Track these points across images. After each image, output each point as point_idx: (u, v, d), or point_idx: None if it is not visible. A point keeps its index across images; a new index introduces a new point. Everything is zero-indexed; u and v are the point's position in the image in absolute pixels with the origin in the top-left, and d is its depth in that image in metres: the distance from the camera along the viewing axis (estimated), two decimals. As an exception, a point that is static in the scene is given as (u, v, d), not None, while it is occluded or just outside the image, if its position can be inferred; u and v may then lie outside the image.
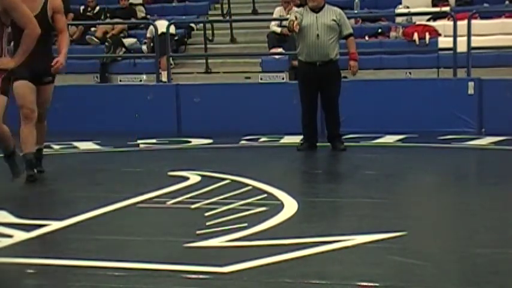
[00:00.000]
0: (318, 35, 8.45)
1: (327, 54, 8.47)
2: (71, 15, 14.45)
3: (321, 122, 9.15)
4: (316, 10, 8.54)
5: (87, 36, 14.39)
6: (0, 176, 8.15)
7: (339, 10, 8.68)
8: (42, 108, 7.22)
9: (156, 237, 4.97)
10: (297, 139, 8.97)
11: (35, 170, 7.14)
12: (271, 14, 13.52)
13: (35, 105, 7.03)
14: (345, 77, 9.44)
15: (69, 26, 14.73)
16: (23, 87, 6.97)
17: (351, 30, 8.69)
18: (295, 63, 8.95)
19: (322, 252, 4.45)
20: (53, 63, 7.03)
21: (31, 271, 4.19)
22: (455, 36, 10.40)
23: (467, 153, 8.63)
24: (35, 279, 4.09)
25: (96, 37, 14.26)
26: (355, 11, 13.90)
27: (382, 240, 4.69)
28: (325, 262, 4.31)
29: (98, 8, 14.87)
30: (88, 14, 14.84)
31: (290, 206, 5.70)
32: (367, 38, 13.26)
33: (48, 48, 7.15)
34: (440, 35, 12.81)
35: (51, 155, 8.32)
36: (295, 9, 12.36)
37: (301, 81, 8.78)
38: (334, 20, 8.51)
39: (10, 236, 4.89)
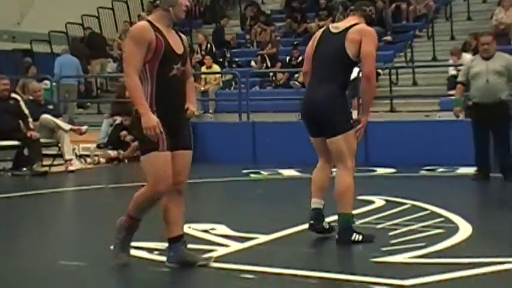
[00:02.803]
0: (487, 80, 8.10)
1: (496, 96, 8.08)
2: (279, 64, 14.84)
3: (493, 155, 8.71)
4: (487, 58, 8.19)
5: (291, 81, 14.70)
6: (224, 194, 8.47)
7: (507, 57, 8.23)
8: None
9: (348, 251, 4.94)
10: (471, 170, 8.60)
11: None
12: (448, 60, 13.17)
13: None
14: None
15: (277, 73, 15.23)
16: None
17: None
18: (470, 103, 8.63)
19: (497, 272, 4.22)
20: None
21: (243, 276, 4.29)
22: None
23: None
24: (245, 283, 4.19)
25: (298, 82, 14.52)
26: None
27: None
28: (500, 281, 4.10)
29: (300, 58, 15.13)
30: (292, 63, 15.15)
31: (465, 229, 5.46)
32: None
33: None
34: None
35: (258, 181, 8.52)
36: (468, 56, 11.96)
37: (473, 121, 8.45)
38: (503, 66, 8.10)
39: (227, 246, 5.04)
